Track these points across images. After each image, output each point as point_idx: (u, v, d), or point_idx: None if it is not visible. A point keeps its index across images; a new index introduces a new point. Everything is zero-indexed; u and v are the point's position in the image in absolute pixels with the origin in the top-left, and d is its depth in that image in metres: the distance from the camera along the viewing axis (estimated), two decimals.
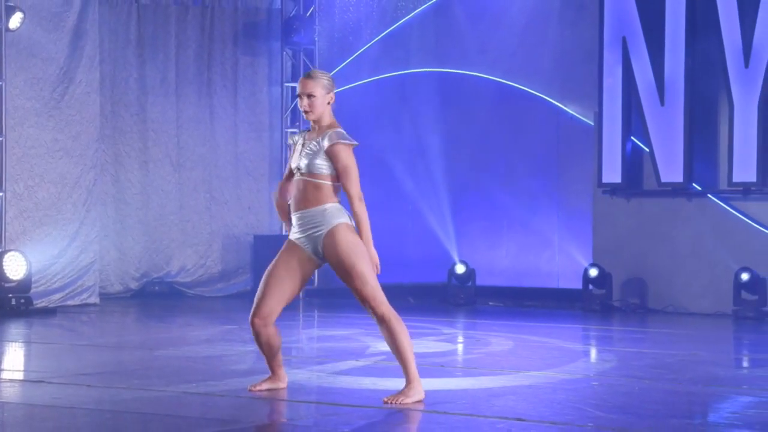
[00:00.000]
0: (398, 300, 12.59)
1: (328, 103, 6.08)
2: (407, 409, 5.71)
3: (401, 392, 5.84)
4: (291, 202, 6.10)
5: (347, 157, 5.99)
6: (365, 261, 5.89)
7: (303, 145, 6.08)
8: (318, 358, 8.01)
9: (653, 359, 8.01)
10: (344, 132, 6.03)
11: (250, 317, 6.16)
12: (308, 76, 6.11)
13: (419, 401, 5.82)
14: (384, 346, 8.44)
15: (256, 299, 6.17)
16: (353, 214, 5.98)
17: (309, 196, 5.99)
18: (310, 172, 5.99)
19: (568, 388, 6.56)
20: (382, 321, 5.90)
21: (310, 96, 6.03)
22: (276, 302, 6.07)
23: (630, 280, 11.96)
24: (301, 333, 10.30)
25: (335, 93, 6.15)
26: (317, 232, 5.95)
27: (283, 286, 6.05)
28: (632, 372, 7.29)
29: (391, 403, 5.77)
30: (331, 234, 5.93)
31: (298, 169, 6.03)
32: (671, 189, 11.69)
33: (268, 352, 6.17)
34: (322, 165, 6.00)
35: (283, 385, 6.23)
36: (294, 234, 6.05)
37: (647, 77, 11.66)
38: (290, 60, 13.89)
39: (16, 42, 11.52)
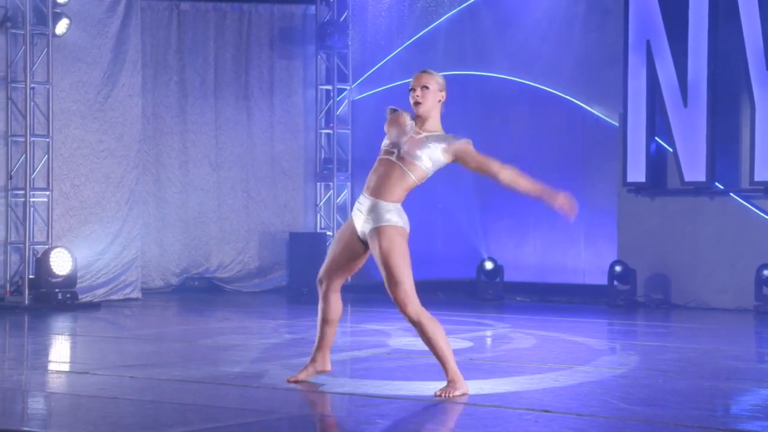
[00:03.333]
0: (428, 295, 12.87)
1: (439, 101, 5.99)
2: (441, 402, 5.80)
3: (444, 388, 5.85)
4: (369, 180, 5.97)
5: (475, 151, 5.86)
6: (402, 263, 5.87)
7: (415, 133, 5.89)
8: (351, 351, 8.05)
9: (676, 353, 8.03)
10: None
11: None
12: (424, 71, 6.02)
13: (464, 394, 5.83)
14: (417, 340, 8.72)
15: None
16: (511, 179, 5.95)
17: (391, 184, 5.90)
18: (413, 161, 5.89)
19: (593, 381, 6.55)
20: (413, 323, 5.91)
21: (423, 87, 5.94)
22: (331, 268, 6.07)
23: (654, 277, 12.01)
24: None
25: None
26: (373, 225, 5.93)
27: (336, 254, 6.09)
28: (656, 365, 7.27)
29: (442, 395, 5.78)
30: (378, 231, 5.90)
31: (399, 150, 5.89)
32: (694, 188, 11.71)
33: (319, 321, 6.09)
34: (427, 162, 5.91)
35: (321, 368, 6.13)
36: (357, 212, 6.02)
37: (671, 79, 11.69)
38: (324, 63, 14.01)
39: (62, 47, 11.74)
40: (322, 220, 14.15)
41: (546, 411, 5.51)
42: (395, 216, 5.94)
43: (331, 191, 14.08)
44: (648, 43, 11.88)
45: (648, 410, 5.63)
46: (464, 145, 5.96)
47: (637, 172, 11.99)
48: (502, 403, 5.76)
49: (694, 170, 11.67)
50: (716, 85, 11.59)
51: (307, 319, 10.57)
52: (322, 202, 14.18)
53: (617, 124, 12.31)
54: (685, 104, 11.71)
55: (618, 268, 11.91)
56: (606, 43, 12.46)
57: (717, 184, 11.72)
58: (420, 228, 13.68)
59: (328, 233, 13.96)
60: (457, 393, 5.84)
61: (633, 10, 11.98)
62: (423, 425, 5.25)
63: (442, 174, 14.13)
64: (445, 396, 5.83)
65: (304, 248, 13.54)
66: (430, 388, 6.20)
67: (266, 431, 5.23)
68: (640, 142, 11.97)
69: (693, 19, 11.62)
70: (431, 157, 5.96)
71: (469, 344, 8.55)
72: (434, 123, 6.03)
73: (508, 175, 5.97)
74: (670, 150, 11.88)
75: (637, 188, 12.11)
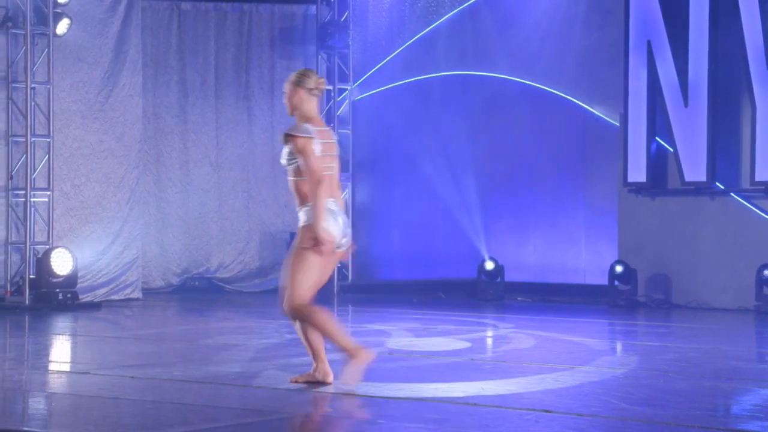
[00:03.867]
0: (429, 295, 12.93)
1: (298, 95, 6.14)
2: (442, 402, 5.82)
3: (350, 366, 6.03)
4: (326, 195, 6.06)
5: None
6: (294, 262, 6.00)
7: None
8: None
9: (677, 353, 8.04)
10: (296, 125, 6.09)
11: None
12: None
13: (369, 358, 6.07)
14: (418, 340, 8.75)
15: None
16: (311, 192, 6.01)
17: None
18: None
19: (594, 381, 6.58)
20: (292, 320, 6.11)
21: (284, 95, 6.24)
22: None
23: (654, 277, 12.02)
24: None
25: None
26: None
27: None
28: (657, 365, 7.29)
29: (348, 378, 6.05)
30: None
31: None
32: (695, 188, 11.72)
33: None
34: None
35: (321, 378, 6.19)
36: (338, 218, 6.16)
37: (671, 79, 11.70)
38: (325, 63, 14.00)
39: (63, 47, 11.76)
40: None
41: (547, 411, 5.53)
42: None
43: None
44: (649, 43, 11.91)
45: (649, 410, 5.64)
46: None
47: (638, 172, 12.02)
48: (503, 403, 5.79)
49: (695, 170, 11.69)
50: (717, 85, 11.60)
51: None
52: None
53: (618, 124, 12.33)
54: (686, 104, 11.73)
55: (619, 268, 11.93)
56: (607, 43, 12.48)
57: (718, 184, 11.73)
58: (421, 228, 13.87)
59: None
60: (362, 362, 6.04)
61: (634, 10, 12.00)
62: (424, 425, 5.25)
63: (442, 174, 14.16)
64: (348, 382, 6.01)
65: None
66: (432, 388, 6.22)
67: (267, 431, 5.24)
68: (640, 142, 11.99)
69: (693, 18, 11.64)
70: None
71: (470, 345, 8.54)
72: (299, 118, 6.18)
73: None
74: (671, 150, 11.90)
75: (637, 188, 12.13)
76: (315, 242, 5.98)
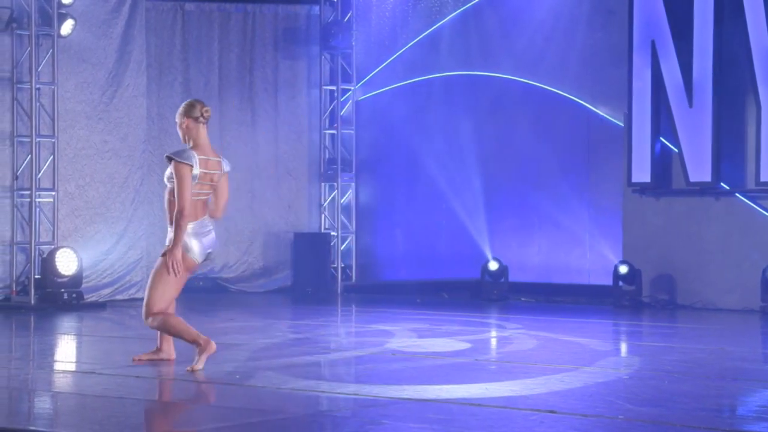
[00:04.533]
0: (433, 295, 12.96)
1: (181, 125, 6.93)
2: (446, 403, 5.84)
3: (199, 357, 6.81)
4: (190, 219, 6.82)
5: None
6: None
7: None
8: (356, 352, 8.10)
9: (682, 354, 8.05)
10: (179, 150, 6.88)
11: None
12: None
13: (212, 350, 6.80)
14: (422, 340, 8.76)
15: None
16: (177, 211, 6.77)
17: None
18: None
19: (599, 381, 6.60)
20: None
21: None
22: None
23: (659, 277, 12.01)
24: (340, 327, 10.52)
25: None
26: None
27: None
28: (662, 366, 7.31)
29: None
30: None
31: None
32: (699, 188, 11.71)
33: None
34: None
35: (165, 357, 7.15)
36: (205, 235, 7.04)
37: (676, 79, 11.70)
38: (328, 63, 14.03)
39: (67, 48, 11.80)
40: (327, 220, 14.19)
41: (551, 411, 5.54)
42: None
43: (336, 191, 14.12)
44: (653, 43, 11.91)
45: (654, 411, 5.66)
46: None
47: (642, 173, 12.02)
48: (507, 403, 5.80)
49: (700, 170, 11.68)
50: (722, 85, 11.59)
51: (311, 319, 10.61)
52: (326, 203, 14.21)
53: (622, 125, 12.34)
54: (690, 104, 11.72)
55: (623, 269, 11.93)
56: (610, 43, 12.49)
57: (722, 184, 11.72)
58: (424, 228, 13.88)
59: (333, 233, 14.00)
60: (209, 353, 6.82)
61: (638, 10, 12.00)
62: (428, 425, 5.27)
63: (446, 174, 14.20)
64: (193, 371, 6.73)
65: (309, 248, 13.59)
66: (436, 389, 6.24)
67: (272, 431, 5.26)
68: (645, 143, 11.99)
69: (698, 18, 11.63)
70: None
71: (474, 345, 8.57)
72: (191, 145, 6.95)
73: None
74: (675, 150, 11.90)
75: (642, 188, 12.13)
76: (171, 261, 6.77)
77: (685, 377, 6.83)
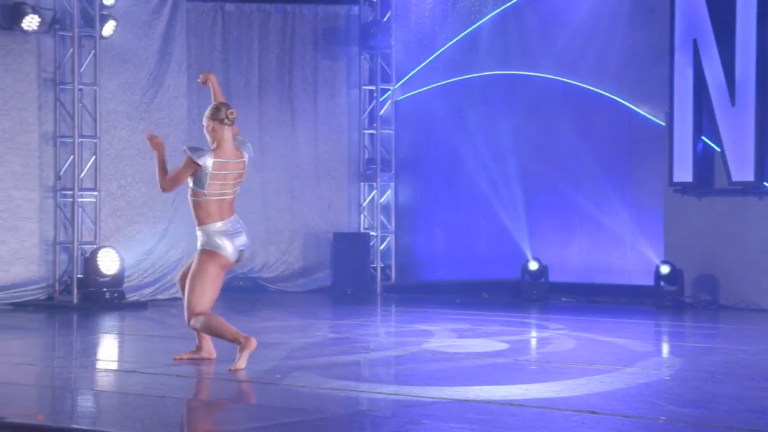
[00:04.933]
0: (472, 295, 12.94)
1: (207, 128, 7.12)
2: (486, 403, 5.84)
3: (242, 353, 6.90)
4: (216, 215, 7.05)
5: None
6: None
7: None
8: (395, 351, 8.11)
9: (725, 354, 8.01)
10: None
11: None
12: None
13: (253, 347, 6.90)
14: (461, 340, 8.75)
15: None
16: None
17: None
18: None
19: (640, 382, 6.58)
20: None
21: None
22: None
23: (701, 277, 11.94)
24: (379, 327, 10.56)
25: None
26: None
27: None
28: (704, 367, 7.29)
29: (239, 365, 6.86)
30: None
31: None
32: (742, 188, 11.62)
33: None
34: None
35: (206, 356, 7.25)
36: (235, 234, 7.18)
37: (718, 78, 11.62)
38: (368, 63, 14.05)
39: (109, 49, 11.89)
40: (366, 220, 14.21)
41: (592, 412, 5.52)
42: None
43: (375, 191, 14.13)
44: (695, 41, 11.83)
45: (696, 412, 5.64)
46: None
47: (684, 172, 11.96)
48: (547, 404, 5.79)
49: (742, 170, 11.59)
50: (764, 84, 11.49)
51: (351, 318, 10.63)
52: (365, 202, 14.23)
53: (663, 124, 12.28)
54: (733, 103, 11.63)
55: (665, 269, 11.86)
56: (652, 42, 12.43)
57: (765, 183, 11.62)
58: (464, 228, 13.86)
59: (372, 233, 14.01)
60: (250, 350, 6.90)
61: (679, 9, 11.93)
62: (468, 426, 5.26)
63: (485, 173, 14.17)
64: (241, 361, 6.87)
65: (348, 248, 13.61)
66: (475, 389, 6.23)
67: (312, 431, 5.28)
68: (686, 142, 11.92)
69: (741, 16, 11.55)
70: None
71: (514, 345, 8.56)
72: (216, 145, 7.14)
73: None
74: (718, 149, 11.82)
75: (683, 188, 12.06)
76: (210, 261, 6.94)
77: (728, 378, 6.80)
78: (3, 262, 11.38)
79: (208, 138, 7.14)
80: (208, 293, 7.00)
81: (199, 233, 7.05)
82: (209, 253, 6.98)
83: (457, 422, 5.38)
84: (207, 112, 7.15)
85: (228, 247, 6.99)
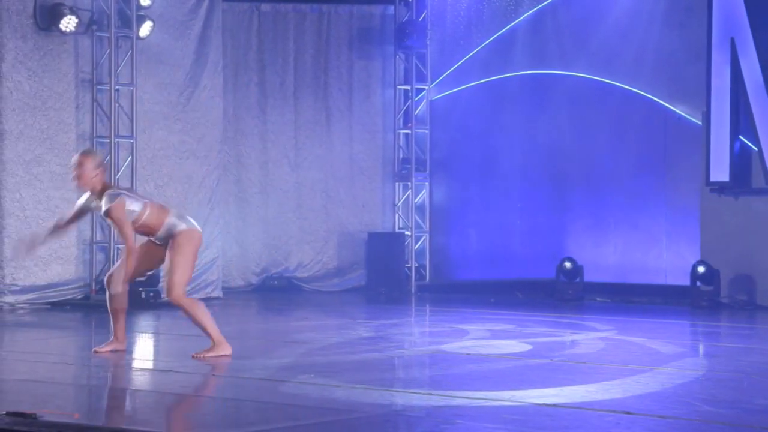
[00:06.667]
0: (506, 295, 12.91)
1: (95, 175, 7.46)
2: (520, 404, 5.84)
3: (208, 349, 7.33)
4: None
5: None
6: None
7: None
8: (429, 351, 8.12)
9: (762, 355, 7.97)
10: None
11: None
12: (81, 153, 7.65)
13: (224, 356, 7.28)
14: (496, 341, 8.74)
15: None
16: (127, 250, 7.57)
17: None
18: None
19: (676, 382, 6.56)
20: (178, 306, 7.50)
21: (78, 166, 7.52)
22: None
23: (738, 277, 11.86)
24: (413, 326, 10.55)
25: None
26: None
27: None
28: (741, 367, 7.26)
29: (200, 357, 7.29)
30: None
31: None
32: None
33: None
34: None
35: (121, 347, 7.63)
36: None
37: (756, 77, 11.54)
38: (403, 63, 14.06)
39: (146, 49, 11.98)
40: (401, 219, 14.21)
41: (627, 413, 5.50)
42: None
43: (410, 191, 14.13)
44: (732, 40, 11.76)
45: (732, 413, 5.60)
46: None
47: (721, 171, 11.89)
48: (582, 404, 5.78)
49: None
50: None
51: (385, 318, 10.64)
52: (400, 202, 14.24)
53: (700, 123, 12.20)
54: None
55: (701, 269, 11.80)
56: (689, 40, 12.37)
57: None
58: (499, 228, 13.84)
59: (407, 233, 14.02)
60: (215, 354, 7.30)
61: (717, 7, 11.87)
62: (502, 426, 5.25)
63: (520, 173, 14.15)
64: (202, 357, 7.29)
65: (383, 248, 13.63)
66: (510, 390, 6.22)
67: (346, 430, 5.30)
68: (723, 141, 11.86)
69: None
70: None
71: (549, 345, 8.54)
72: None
73: (128, 245, 7.51)
74: (755, 149, 11.76)
75: (720, 187, 12.00)
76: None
77: (765, 379, 6.75)
78: (41, 262, 11.47)
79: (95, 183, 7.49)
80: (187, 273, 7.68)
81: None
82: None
83: (491, 422, 5.37)
84: (96, 159, 7.48)
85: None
